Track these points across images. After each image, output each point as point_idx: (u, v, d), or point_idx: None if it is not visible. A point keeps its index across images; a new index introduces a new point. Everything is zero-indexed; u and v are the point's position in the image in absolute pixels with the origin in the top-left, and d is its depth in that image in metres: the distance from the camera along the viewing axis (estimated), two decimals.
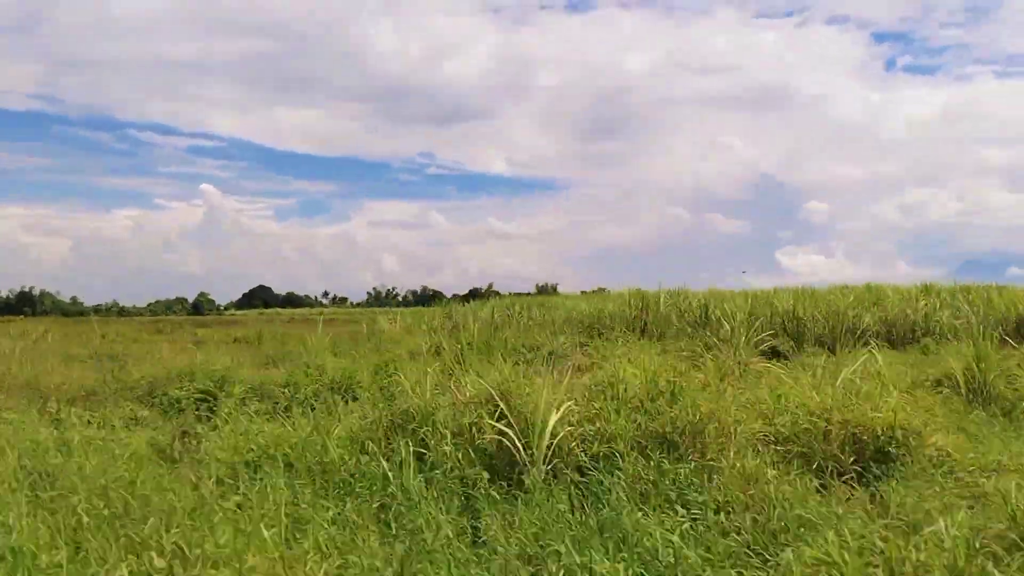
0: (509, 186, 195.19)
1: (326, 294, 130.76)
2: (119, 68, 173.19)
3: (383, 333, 20.16)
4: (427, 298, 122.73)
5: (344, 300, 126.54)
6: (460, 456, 6.10)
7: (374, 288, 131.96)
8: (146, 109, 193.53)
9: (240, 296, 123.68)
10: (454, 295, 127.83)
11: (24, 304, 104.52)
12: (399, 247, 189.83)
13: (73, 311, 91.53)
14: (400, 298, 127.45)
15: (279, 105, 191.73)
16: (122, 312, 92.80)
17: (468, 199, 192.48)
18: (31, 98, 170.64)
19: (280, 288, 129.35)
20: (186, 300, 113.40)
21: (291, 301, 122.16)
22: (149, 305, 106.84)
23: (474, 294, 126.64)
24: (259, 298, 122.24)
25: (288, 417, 7.70)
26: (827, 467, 6.10)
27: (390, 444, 6.37)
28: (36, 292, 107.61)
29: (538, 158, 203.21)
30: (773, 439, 6.61)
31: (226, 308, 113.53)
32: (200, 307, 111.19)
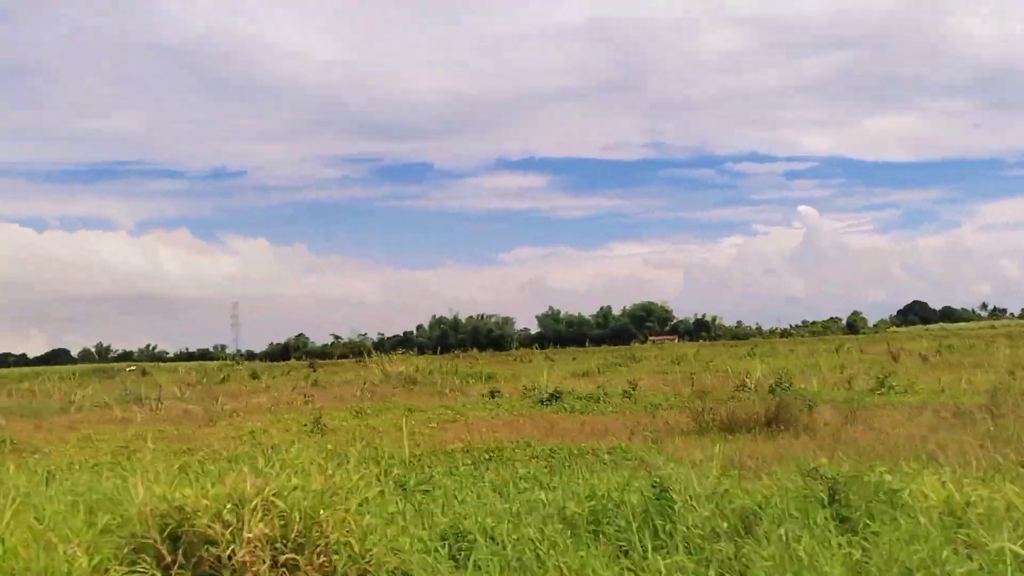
0: None
1: (984, 306, 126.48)
2: (712, 106, 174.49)
3: None
4: None
5: (1003, 311, 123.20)
6: None
7: None
8: (740, 141, 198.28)
9: (895, 312, 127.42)
10: None
11: (700, 329, 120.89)
12: (1021, 250, 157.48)
13: (740, 334, 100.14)
14: None
15: (870, 115, 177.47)
16: (784, 334, 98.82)
17: None
18: (640, 147, 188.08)
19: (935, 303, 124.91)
20: (839, 319, 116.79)
21: (947, 315, 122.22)
22: (806, 325, 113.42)
23: None
24: (915, 314, 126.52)
25: None
26: None
27: None
28: (708, 318, 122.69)
29: None
30: None
31: (875, 326, 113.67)
32: (854, 326, 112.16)
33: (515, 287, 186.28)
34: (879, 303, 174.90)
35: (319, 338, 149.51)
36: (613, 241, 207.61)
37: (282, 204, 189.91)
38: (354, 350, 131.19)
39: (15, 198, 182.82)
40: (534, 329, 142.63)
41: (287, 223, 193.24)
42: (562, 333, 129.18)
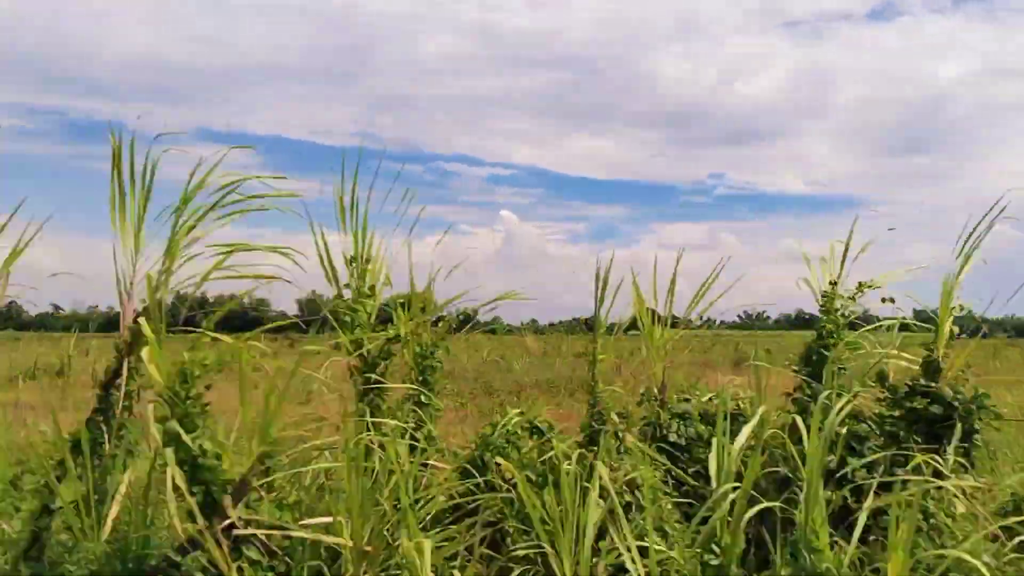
0: (806, 205, 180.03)
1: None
2: (429, 106, 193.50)
3: None
4: (803, 322, 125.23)
5: (712, 322, 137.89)
6: None
7: (744, 311, 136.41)
8: (452, 143, 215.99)
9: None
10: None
11: (465, 322, 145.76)
12: (688, 270, 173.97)
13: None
14: (772, 320, 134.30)
15: (573, 133, 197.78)
16: (537, 330, 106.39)
17: (761, 220, 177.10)
18: (352, 135, 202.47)
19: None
20: (581, 319, 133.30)
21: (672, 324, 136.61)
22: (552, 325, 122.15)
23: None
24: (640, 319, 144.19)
25: None
26: None
27: None
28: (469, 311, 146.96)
29: (838, 176, 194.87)
30: None
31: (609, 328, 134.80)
32: (592, 326, 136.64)
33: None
34: (573, 308, 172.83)
35: (32, 308, 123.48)
36: (317, 227, 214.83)
37: None
38: (81, 323, 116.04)
39: None
40: (291, 311, 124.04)
41: None
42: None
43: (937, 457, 3.89)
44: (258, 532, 3.12)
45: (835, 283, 4.94)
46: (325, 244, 4.61)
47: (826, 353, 4.74)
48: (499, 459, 4.06)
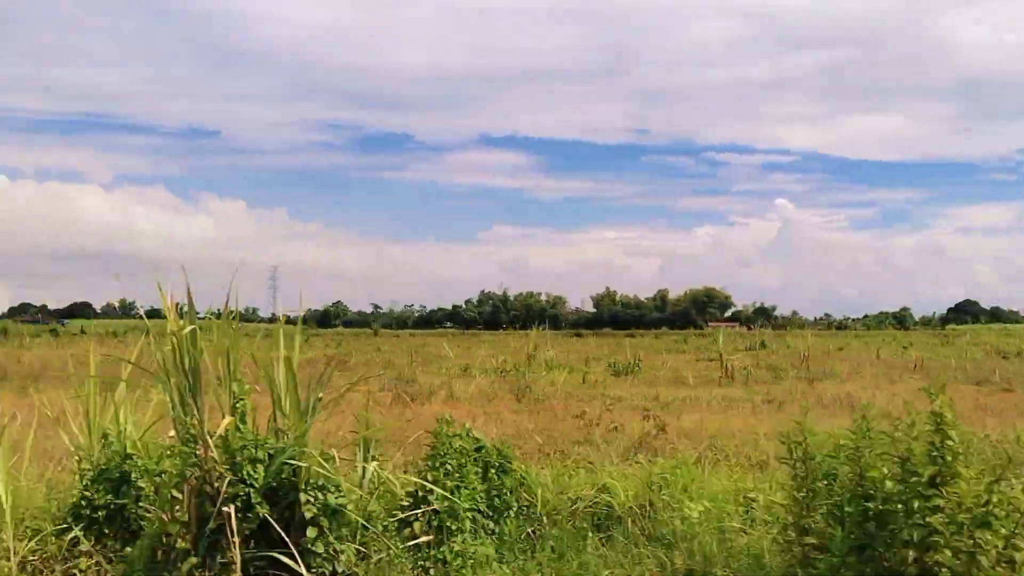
0: None
1: None
2: (699, 95, 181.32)
3: None
4: None
5: None
6: None
7: None
8: (724, 131, 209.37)
9: (946, 311, 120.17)
10: None
11: (760, 316, 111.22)
12: (993, 255, 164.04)
13: (791, 324, 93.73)
14: None
15: (854, 114, 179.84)
16: (840, 326, 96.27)
17: None
18: (623, 131, 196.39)
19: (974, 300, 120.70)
20: (887, 314, 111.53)
21: (996, 316, 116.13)
22: (863, 319, 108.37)
23: None
24: (966, 312, 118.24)
25: None
26: None
27: None
28: (767, 306, 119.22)
29: None
30: None
31: (922, 322, 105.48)
32: (904, 320, 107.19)
33: (496, 266, 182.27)
34: (850, 300, 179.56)
35: (353, 306, 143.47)
36: (591, 225, 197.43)
37: (260, 167, 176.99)
38: (398, 320, 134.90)
39: None
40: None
41: (265, 186, 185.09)
42: (619, 315, 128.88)
43: None
44: None
45: None
46: None
47: None
48: None
